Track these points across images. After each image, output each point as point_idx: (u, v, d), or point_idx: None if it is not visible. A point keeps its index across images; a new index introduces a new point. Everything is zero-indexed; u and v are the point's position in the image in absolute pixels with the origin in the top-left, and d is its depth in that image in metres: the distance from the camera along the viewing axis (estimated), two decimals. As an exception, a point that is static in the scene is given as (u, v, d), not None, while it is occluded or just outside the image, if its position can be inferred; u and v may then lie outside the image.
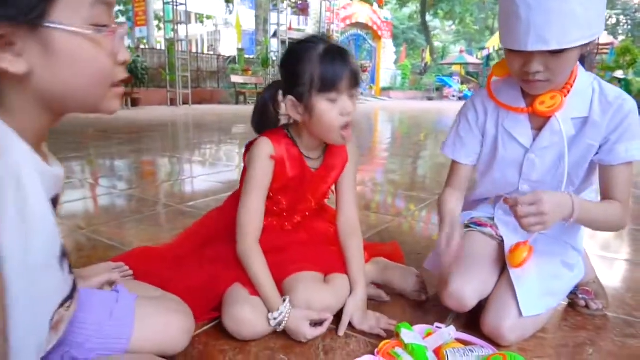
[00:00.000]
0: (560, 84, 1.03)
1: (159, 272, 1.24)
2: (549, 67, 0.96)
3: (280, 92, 1.15)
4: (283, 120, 1.21)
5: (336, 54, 1.08)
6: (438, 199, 1.22)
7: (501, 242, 1.20)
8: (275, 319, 1.05)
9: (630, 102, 1.04)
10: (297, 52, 1.10)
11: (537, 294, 1.07)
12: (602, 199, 1.08)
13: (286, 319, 1.05)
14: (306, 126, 1.14)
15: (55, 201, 0.64)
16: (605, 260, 1.66)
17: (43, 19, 0.53)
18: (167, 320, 0.92)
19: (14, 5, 0.50)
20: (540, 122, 1.09)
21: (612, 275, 1.52)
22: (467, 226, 1.27)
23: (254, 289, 1.10)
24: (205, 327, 1.11)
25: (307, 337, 1.05)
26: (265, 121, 1.20)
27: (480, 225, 1.26)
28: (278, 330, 1.07)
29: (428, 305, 1.26)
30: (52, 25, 0.53)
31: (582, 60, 1.07)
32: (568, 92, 1.04)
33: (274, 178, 1.17)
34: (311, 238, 1.30)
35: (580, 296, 1.25)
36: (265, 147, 1.15)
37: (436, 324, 1.09)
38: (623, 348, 1.07)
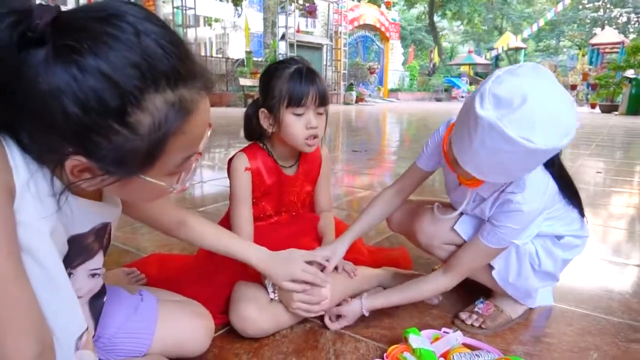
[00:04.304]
0: None
1: (174, 278, 1.29)
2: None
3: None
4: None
5: (304, 74, 1.22)
6: (377, 195, 1.34)
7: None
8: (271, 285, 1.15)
9: (520, 205, 1.02)
10: (272, 70, 1.25)
11: (473, 224, 1.18)
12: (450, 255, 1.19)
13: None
14: (277, 135, 1.28)
15: (104, 229, 0.74)
16: (615, 264, 1.67)
17: (138, 175, 0.61)
18: (194, 323, 0.96)
19: (124, 167, 0.58)
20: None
21: (620, 280, 1.53)
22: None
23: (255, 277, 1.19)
24: (221, 331, 1.15)
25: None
26: (251, 132, 1.36)
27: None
28: (274, 300, 1.16)
29: (436, 310, 1.29)
30: (141, 177, 0.61)
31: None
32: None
33: (254, 187, 1.33)
34: (299, 230, 1.41)
35: (477, 307, 1.25)
36: (241, 162, 1.31)
37: (444, 329, 1.12)
38: (627, 353, 1.10)
